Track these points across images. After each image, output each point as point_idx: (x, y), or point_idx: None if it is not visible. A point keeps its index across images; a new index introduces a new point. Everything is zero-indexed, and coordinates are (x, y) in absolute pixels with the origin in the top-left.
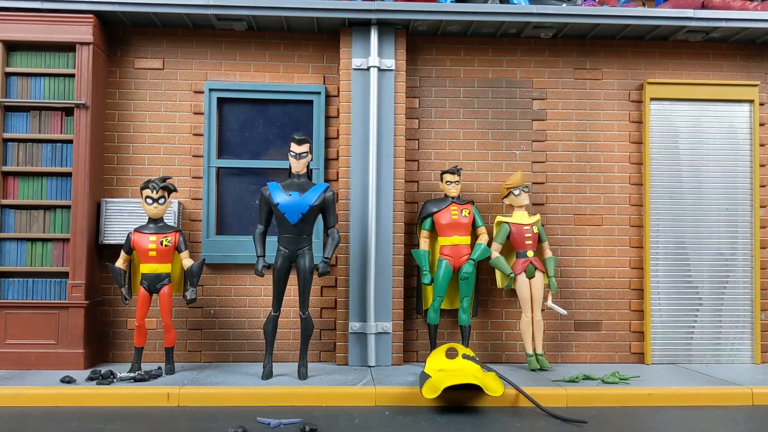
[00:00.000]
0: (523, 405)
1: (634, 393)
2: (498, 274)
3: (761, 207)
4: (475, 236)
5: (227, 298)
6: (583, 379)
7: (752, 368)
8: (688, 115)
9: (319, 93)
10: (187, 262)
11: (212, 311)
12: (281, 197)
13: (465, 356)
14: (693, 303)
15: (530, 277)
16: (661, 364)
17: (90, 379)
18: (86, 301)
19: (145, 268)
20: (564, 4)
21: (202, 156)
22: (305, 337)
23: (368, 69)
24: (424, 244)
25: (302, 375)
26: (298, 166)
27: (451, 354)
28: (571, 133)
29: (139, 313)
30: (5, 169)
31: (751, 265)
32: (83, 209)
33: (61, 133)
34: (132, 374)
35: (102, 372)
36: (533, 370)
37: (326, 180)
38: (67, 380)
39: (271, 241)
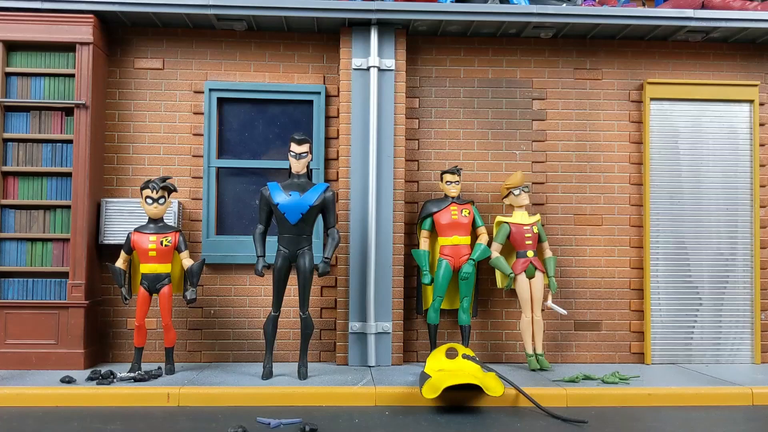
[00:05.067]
0: (523, 405)
1: (634, 393)
2: (498, 274)
3: (761, 207)
4: (475, 236)
5: (227, 298)
6: (583, 379)
7: (752, 368)
8: (688, 115)
9: (319, 93)
10: (187, 262)
11: (212, 311)
12: (281, 197)
13: (465, 356)
14: (693, 303)
15: (530, 277)
16: (661, 364)
17: (90, 379)
18: (86, 301)
19: (145, 268)
20: (564, 4)
21: (202, 156)
22: (305, 337)
23: (368, 69)
24: (424, 244)
25: (302, 375)
26: (298, 166)
27: (451, 354)
28: (571, 133)
29: (139, 313)
30: (5, 169)
31: (751, 265)
32: (83, 209)
33: (61, 133)
34: (132, 374)
35: (102, 372)
36: (533, 370)
37: (326, 180)
38: (67, 380)
39: (271, 241)
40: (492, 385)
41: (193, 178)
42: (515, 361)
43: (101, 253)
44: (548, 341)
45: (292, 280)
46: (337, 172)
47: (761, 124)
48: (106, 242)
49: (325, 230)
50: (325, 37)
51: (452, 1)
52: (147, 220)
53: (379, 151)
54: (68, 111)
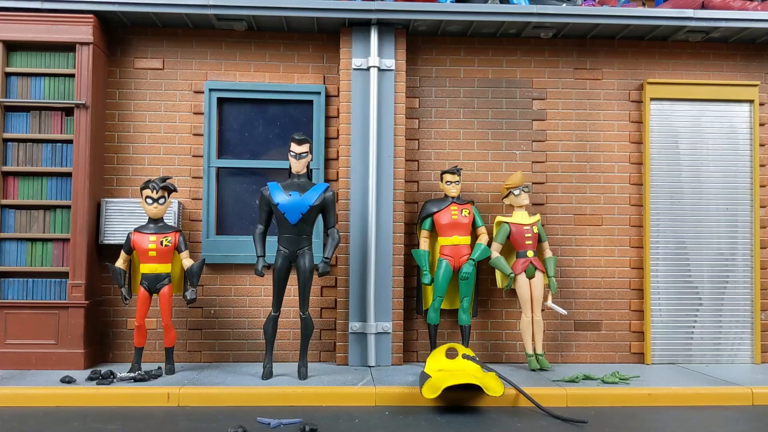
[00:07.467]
0: (523, 405)
1: (634, 393)
2: (498, 274)
3: (761, 207)
4: (475, 236)
5: (227, 298)
6: (583, 379)
7: (752, 368)
8: (688, 115)
9: (319, 93)
10: (187, 262)
11: (212, 311)
12: (281, 197)
13: (465, 356)
14: (693, 303)
15: (530, 277)
16: (661, 364)
17: (90, 379)
18: (86, 301)
19: (145, 268)
20: (564, 4)
21: (202, 156)
22: (305, 337)
23: (368, 69)
24: (424, 244)
25: (302, 375)
26: (298, 166)
27: (451, 354)
28: (571, 133)
29: (139, 313)
30: (5, 169)
31: (751, 265)
32: (83, 209)
33: (61, 133)
34: (132, 374)
35: (102, 372)
36: (533, 370)
37: (326, 180)
38: (67, 380)
39: (271, 241)
40: (492, 385)
41: (193, 178)
42: (515, 361)
43: (101, 253)
44: (548, 341)
45: (292, 280)
46: (337, 172)
47: (761, 124)
48: (106, 242)
49: (325, 230)
50: (325, 37)
51: (452, 1)
52: (147, 220)
53: (379, 151)
54: (68, 111)
